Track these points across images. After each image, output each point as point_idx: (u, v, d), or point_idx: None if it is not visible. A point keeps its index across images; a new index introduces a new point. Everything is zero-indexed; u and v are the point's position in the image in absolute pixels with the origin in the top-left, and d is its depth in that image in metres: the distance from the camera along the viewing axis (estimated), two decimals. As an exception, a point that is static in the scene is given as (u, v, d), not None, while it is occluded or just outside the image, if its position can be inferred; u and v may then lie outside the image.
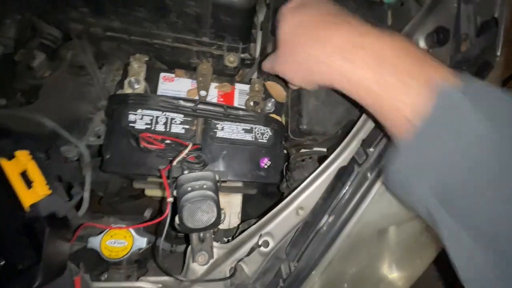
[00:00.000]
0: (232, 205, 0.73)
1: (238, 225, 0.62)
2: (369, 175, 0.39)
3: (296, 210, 0.43)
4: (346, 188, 0.40)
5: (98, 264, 0.46)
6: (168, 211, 0.39)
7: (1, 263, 0.30)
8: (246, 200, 0.76)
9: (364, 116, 0.43)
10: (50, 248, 0.32)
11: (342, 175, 0.41)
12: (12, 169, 0.34)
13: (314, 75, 0.33)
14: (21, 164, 0.34)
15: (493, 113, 0.21)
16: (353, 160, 0.41)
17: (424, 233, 0.43)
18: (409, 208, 0.28)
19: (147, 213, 0.70)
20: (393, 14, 0.60)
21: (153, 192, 0.74)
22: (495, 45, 0.44)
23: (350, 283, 0.44)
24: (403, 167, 0.25)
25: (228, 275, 0.43)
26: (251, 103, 0.53)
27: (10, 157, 0.34)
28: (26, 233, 0.32)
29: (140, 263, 0.51)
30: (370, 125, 0.42)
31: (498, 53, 0.44)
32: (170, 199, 0.39)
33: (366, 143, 0.41)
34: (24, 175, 0.34)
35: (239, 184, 0.75)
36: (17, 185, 0.34)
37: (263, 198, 0.94)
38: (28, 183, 0.34)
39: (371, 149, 0.40)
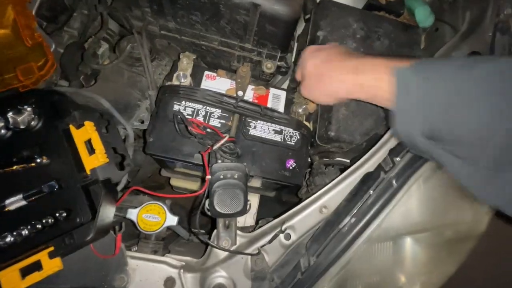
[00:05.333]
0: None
1: (258, 220, 0.64)
2: (394, 182, 0.41)
3: (320, 208, 0.45)
4: (371, 193, 0.42)
5: (131, 236, 0.50)
6: (206, 186, 0.42)
7: (63, 215, 0.35)
8: (261, 204, 0.79)
9: (393, 128, 0.46)
10: (103, 208, 0.36)
11: (368, 180, 0.43)
12: (79, 136, 0.39)
13: (338, 91, 0.46)
14: (87, 133, 0.39)
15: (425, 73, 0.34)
16: (379, 167, 0.43)
17: (441, 247, 0.44)
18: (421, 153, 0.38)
19: (168, 202, 0.74)
20: (427, 38, 0.63)
21: (178, 182, 0.78)
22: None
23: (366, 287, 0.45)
24: (399, 126, 0.37)
25: (249, 262, 0.46)
26: (300, 110, 0.57)
27: (79, 126, 0.39)
28: (85, 192, 0.37)
29: (165, 242, 0.54)
30: (399, 136, 0.45)
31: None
32: (209, 177, 0.43)
33: (393, 153, 0.43)
34: (87, 143, 0.39)
35: (258, 185, 0.78)
36: (82, 150, 0.39)
37: (276, 205, 0.96)
38: (91, 150, 0.39)
39: (398, 159, 0.42)
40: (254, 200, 0.78)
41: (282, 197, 0.92)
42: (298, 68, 0.54)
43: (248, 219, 0.76)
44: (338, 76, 0.44)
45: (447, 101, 0.32)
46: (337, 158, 0.63)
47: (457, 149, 0.33)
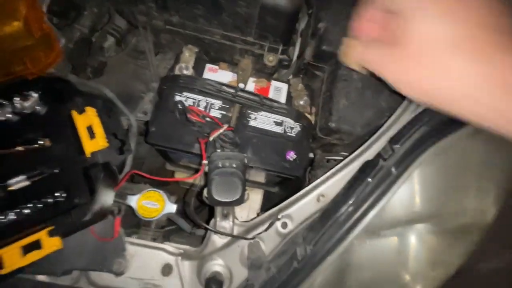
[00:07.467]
0: (252, 201, 0.76)
1: (258, 213, 0.64)
2: (393, 170, 0.40)
3: (318, 197, 0.45)
4: (369, 181, 0.41)
5: (132, 224, 0.51)
6: (202, 169, 0.43)
7: (63, 195, 0.36)
8: (268, 201, 0.78)
9: (394, 116, 0.45)
10: (101, 190, 0.37)
11: (367, 168, 0.42)
12: (81, 121, 0.40)
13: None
14: (88, 118, 0.40)
15: None
16: (379, 155, 0.42)
17: (444, 238, 0.42)
18: None
19: (173, 199, 0.75)
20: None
21: (182, 176, 0.79)
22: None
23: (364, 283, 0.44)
24: None
25: (246, 251, 0.46)
26: (301, 102, 0.57)
27: (81, 111, 0.41)
28: (84, 175, 0.38)
29: (165, 232, 0.55)
30: (400, 124, 0.44)
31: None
32: (205, 162, 0.44)
33: (393, 140, 0.42)
34: (89, 128, 0.41)
35: (261, 180, 0.78)
36: (83, 135, 0.40)
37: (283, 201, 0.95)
38: (91, 135, 0.40)
39: (398, 146, 0.41)
40: (257, 196, 0.78)
41: (288, 191, 0.91)
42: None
43: (251, 214, 0.76)
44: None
45: None
46: (341, 153, 0.62)
47: None
